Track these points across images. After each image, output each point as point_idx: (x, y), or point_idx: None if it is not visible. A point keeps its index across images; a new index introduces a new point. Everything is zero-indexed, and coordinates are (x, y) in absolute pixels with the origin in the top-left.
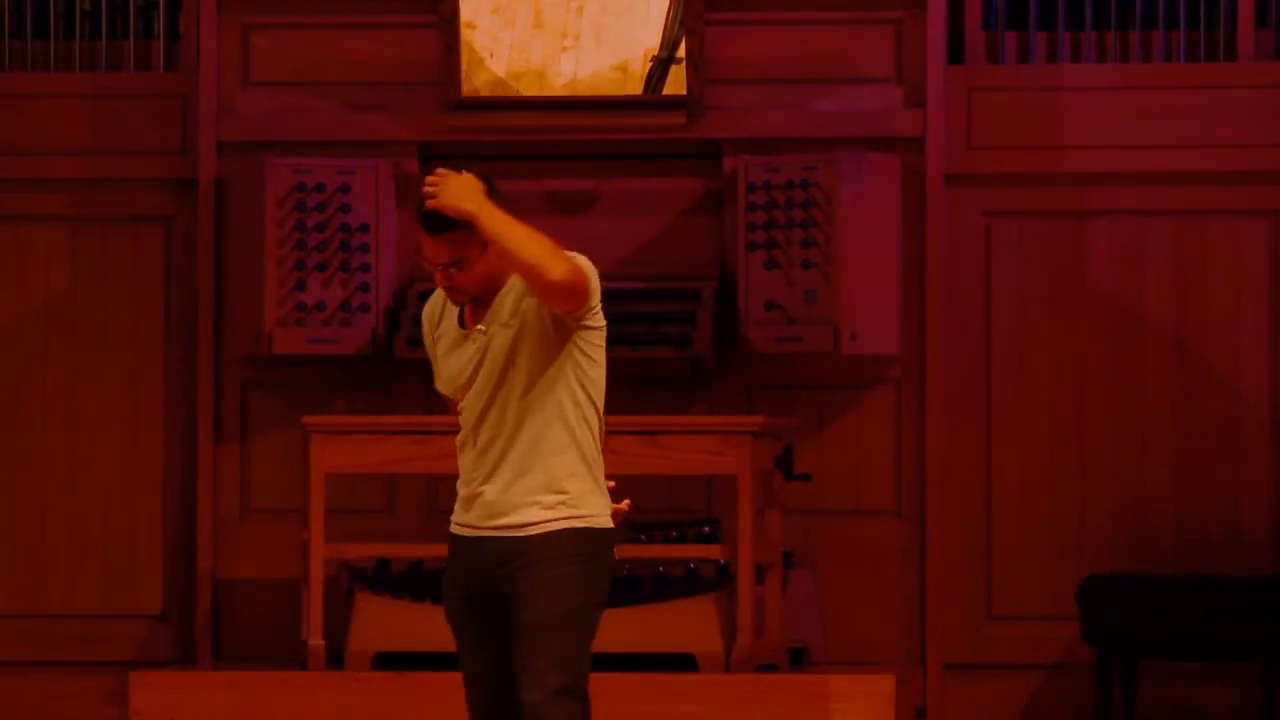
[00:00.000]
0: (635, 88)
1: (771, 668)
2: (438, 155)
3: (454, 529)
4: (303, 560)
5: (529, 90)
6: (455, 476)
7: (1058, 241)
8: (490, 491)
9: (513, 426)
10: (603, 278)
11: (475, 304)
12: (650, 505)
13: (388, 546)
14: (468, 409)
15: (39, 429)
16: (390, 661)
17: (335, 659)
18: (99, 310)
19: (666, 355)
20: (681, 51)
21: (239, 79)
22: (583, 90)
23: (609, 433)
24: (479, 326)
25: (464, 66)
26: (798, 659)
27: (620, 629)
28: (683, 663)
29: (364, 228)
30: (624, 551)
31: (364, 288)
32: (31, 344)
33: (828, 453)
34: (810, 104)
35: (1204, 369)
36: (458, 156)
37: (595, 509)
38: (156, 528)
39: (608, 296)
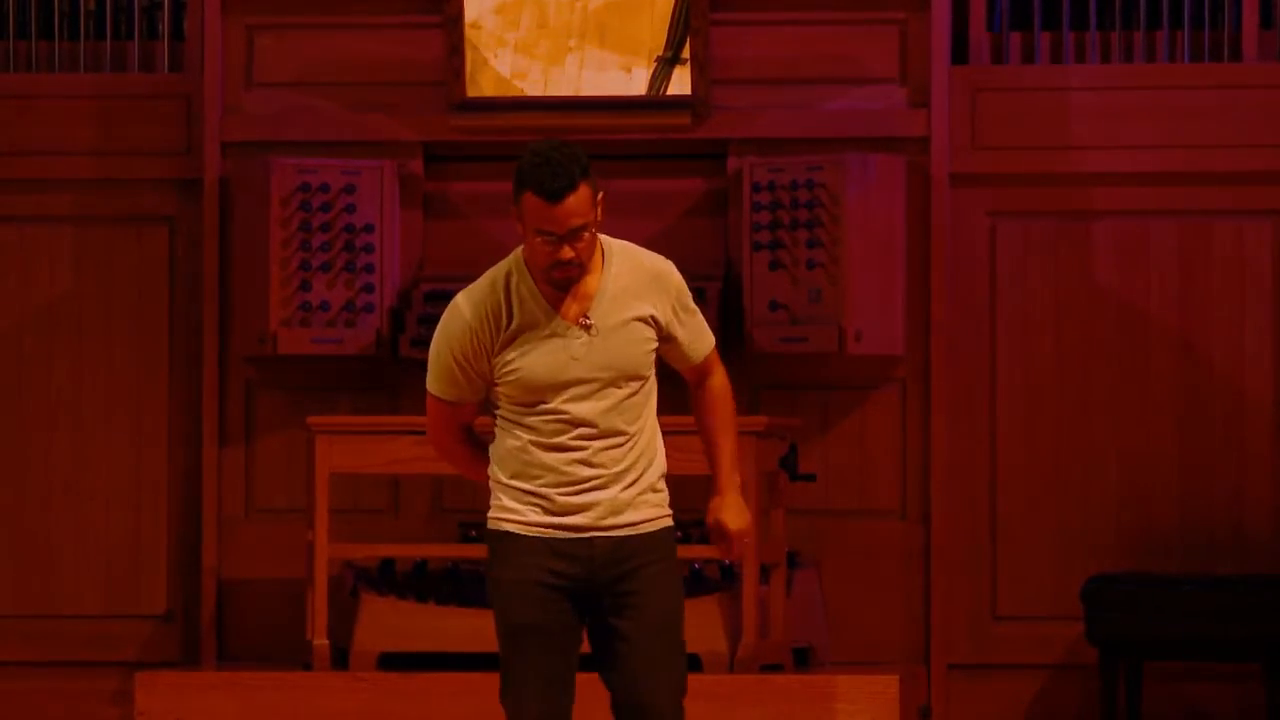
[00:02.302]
0: (640, 88)
1: (776, 668)
2: (442, 155)
3: (533, 530)
4: (307, 560)
5: (533, 90)
6: (459, 477)
7: (1062, 241)
8: (608, 493)
9: (631, 429)
10: None
11: (564, 289)
12: None
13: (392, 547)
14: (565, 407)
15: (43, 429)
16: (395, 662)
17: (340, 659)
18: (103, 311)
19: None
20: (686, 52)
21: (243, 79)
22: (587, 91)
23: None
24: (587, 320)
25: (468, 67)
26: (802, 659)
27: None
28: (687, 663)
29: (369, 228)
30: None
31: (368, 288)
32: (36, 344)
33: (832, 453)
34: (815, 104)
35: (1208, 369)
36: (462, 157)
37: (669, 506)
38: (161, 528)
39: None
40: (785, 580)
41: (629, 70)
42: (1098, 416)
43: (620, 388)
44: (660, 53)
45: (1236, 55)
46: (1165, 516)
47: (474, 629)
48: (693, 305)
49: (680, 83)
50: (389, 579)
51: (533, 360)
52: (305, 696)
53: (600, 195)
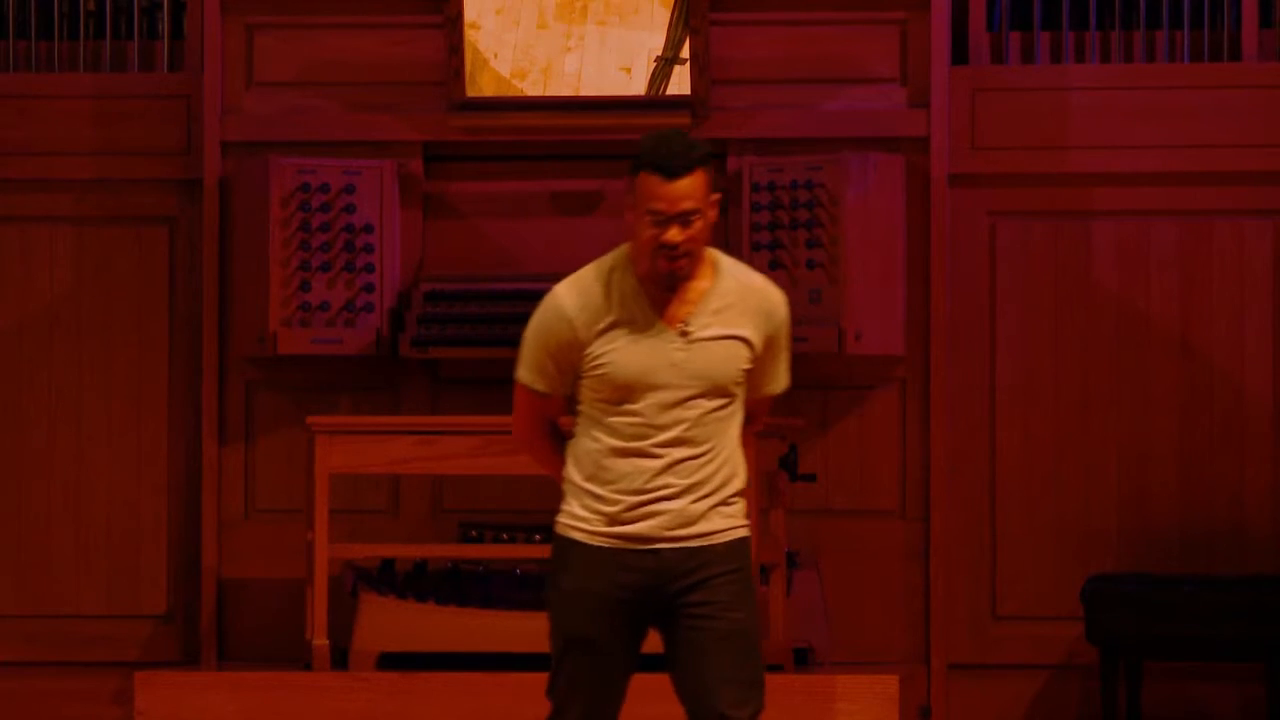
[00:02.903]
0: (640, 88)
1: (776, 668)
2: (442, 156)
3: (599, 540)
4: (307, 561)
5: (533, 91)
6: (459, 478)
7: (1062, 242)
8: (676, 504)
9: (711, 443)
10: None
11: (669, 286)
12: None
13: (392, 547)
14: (649, 412)
15: (44, 429)
16: (395, 662)
17: (340, 659)
18: (104, 311)
19: None
20: (686, 52)
21: (243, 79)
22: (587, 91)
23: None
24: (686, 327)
25: (468, 67)
26: (802, 659)
27: None
28: None
29: (368, 228)
30: None
31: (368, 288)
32: (36, 345)
33: (832, 453)
34: (815, 104)
35: (1208, 369)
36: (462, 157)
37: (744, 518)
38: (161, 528)
39: None
40: (785, 580)
41: (629, 70)
42: (1098, 416)
43: (708, 400)
44: (660, 52)
45: (1236, 55)
46: (1165, 516)
47: (474, 629)
48: (788, 345)
49: (680, 82)
50: (389, 579)
51: (625, 357)
52: (305, 696)
53: (716, 197)
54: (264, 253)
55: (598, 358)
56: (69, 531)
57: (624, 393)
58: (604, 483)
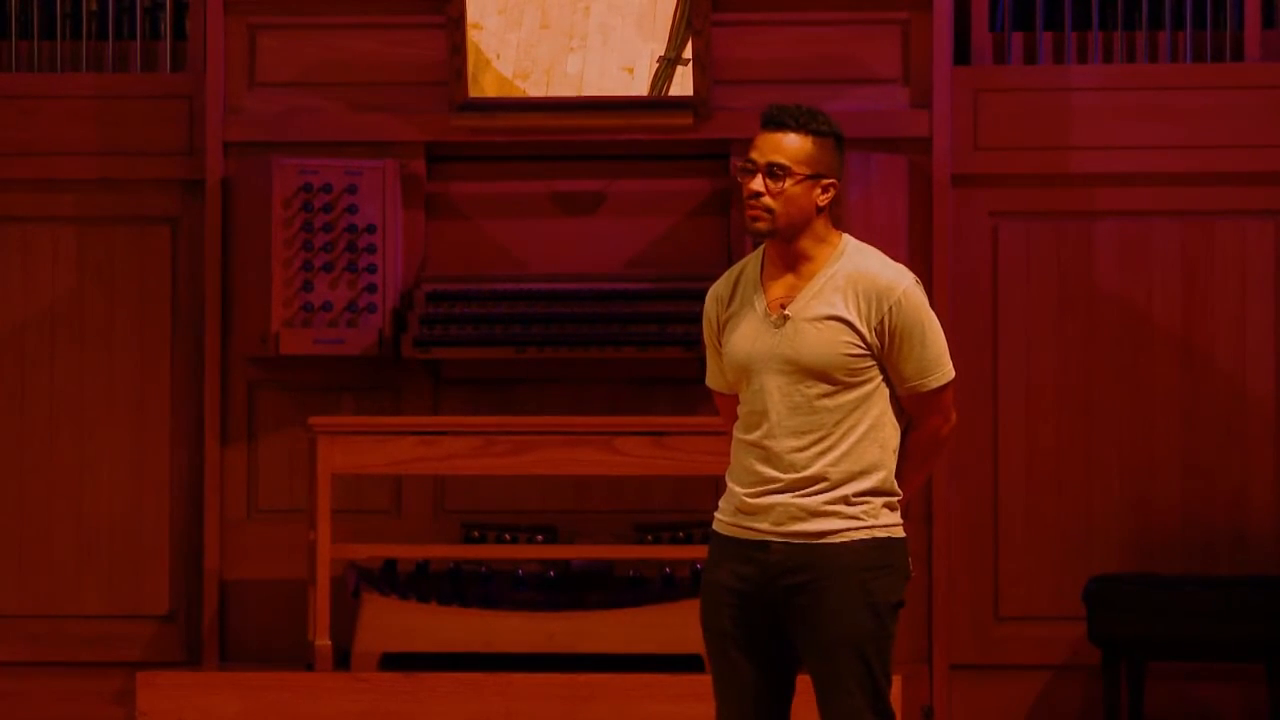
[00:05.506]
0: (642, 89)
1: None
2: (445, 156)
3: (727, 529)
4: (309, 561)
5: (535, 91)
6: (461, 478)
7: (1064, 242)
8: (782, 498)
9: (823, 429)
10: (610, 278)
11: (788, 268)
12: (657, 506)
13: (394, 547)
14: (756, 399)
15: (45, 429)
16: (397, 662)
17: (342, 660)
18: (105, 311)
19: (675, 355)
20: (688, 52)
21: (246, 79)
22: (589, 91)
23: (616, 433)
24: (785, 311)
25: (470, 67)
26: None
27: (625, 629)
28: (689, 663)
29: (371, 228)
30: (629, 553)
31: (371, 288)
32: (38, 345)
33: None
34: (817, 105)
35: (1210, 369)
36: (465, 157)
37: (888, 520)
38: (163, 528)
39: (614, 297)
40: None
41: (631, 71)
42: (1100, 417)
43: (809, 387)
44: (662, 53)
45: (1239, 55)
46: (1167, 516)
47: (476, 629)
48: (920, 336)
49: (682, 83)
50: (391, 579)
51: (734, 342)
52: (307, 697)
53: (830, 181)
54: (266, 253)
55: (723, 344)
56: (71, 531)
57: (739, 379)
58: (733, 474)
